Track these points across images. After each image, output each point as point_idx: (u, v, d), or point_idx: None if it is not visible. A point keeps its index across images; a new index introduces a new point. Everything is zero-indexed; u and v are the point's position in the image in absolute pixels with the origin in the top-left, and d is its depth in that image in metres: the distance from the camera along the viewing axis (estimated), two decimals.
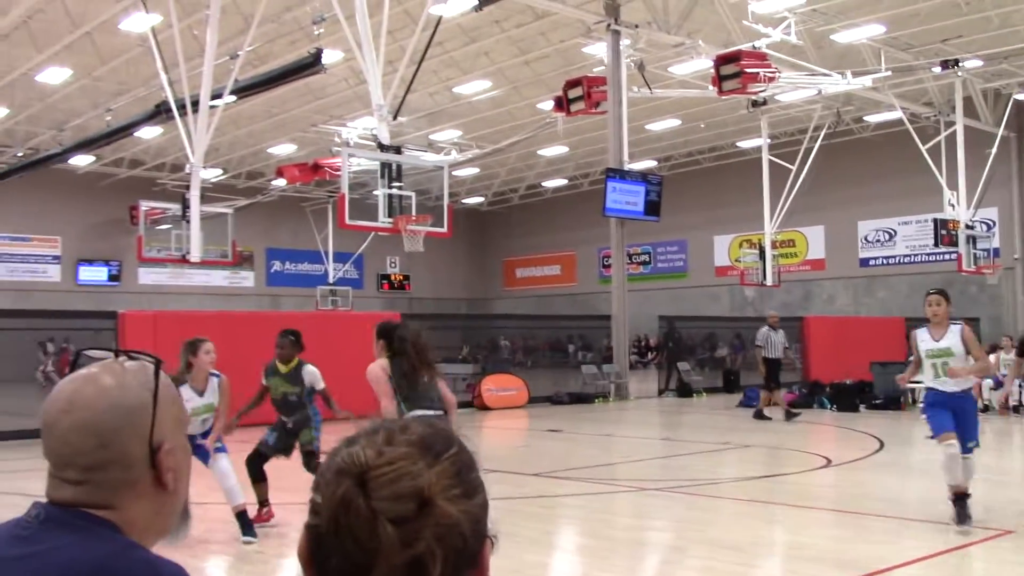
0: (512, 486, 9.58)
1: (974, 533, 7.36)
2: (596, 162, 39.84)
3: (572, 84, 23.86)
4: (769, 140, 31.47)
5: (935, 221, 28.03)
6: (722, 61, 22.82)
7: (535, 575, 6.44)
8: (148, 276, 38.85)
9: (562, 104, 24.22)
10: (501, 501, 9.19)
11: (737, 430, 16.34)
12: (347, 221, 15.21)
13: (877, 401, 19.19)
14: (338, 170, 18.84)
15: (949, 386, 7.52)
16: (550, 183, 46.02)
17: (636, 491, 9.96)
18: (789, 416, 17.10)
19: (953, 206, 28.11)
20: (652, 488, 10.03)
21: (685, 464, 12.24)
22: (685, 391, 23.46)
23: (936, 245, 28.55)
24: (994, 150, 29.22)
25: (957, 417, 7.47)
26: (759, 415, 17.46)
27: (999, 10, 25.39)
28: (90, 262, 39.11)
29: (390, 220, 15.25)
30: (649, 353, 39.80)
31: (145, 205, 23.82)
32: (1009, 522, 7.73)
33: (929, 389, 7.78)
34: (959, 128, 28.36)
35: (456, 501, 1.07)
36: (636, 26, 23.35)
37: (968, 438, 7.53)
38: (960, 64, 26.95)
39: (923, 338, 7.74)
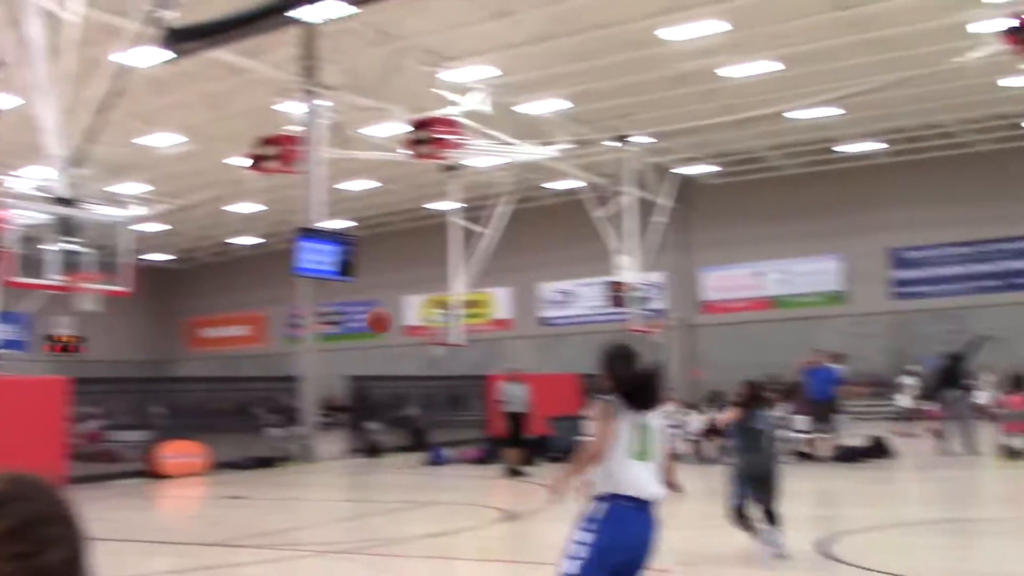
0: (185, 558, 9.18)
1: None
2: (290, 220, 39.17)
3: (267, 142, 23.57)
4: (460, 204, 32.56)
5: (609, 283, 30.17)
6: (416, 127, 23.48)
7: None
8: None
9: (256, 161, 23.85)
10: (171, 575, 8.78)
11: (423, 488, 16.59)
12: (14, 279, 14.11)
13: (555, 454, 20.14)
14: (5, 223, 17.47)
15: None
16: (241, 241, 44.94)
17: (320, 555, 9.83)
18: (514, 474, 17.07)
19: (625, 270, 30.38)
20: (336, 551, 9.95)
21: (371, 524, 12.25)
22: (373, 451, 23.51)
23: (610, 306, 30.65)
24: (660, 219, 31.95)
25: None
26: (514, 472, 17.06)
27: (664, 93, 27.98)
28: None
29: (64, 278, 14.31)
30: (337, 414, 39.46)
31: None
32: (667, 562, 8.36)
33: None
34: (630, 199, 30.79)
35: (7, 560, 1.04)
36: (332, 88, 23.55)
37: None
38: (631, 140, 29.40)
39: None
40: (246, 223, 42.17)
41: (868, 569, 7.78)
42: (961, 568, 7.80)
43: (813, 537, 9.31)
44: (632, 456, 4.50)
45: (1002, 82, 27.14)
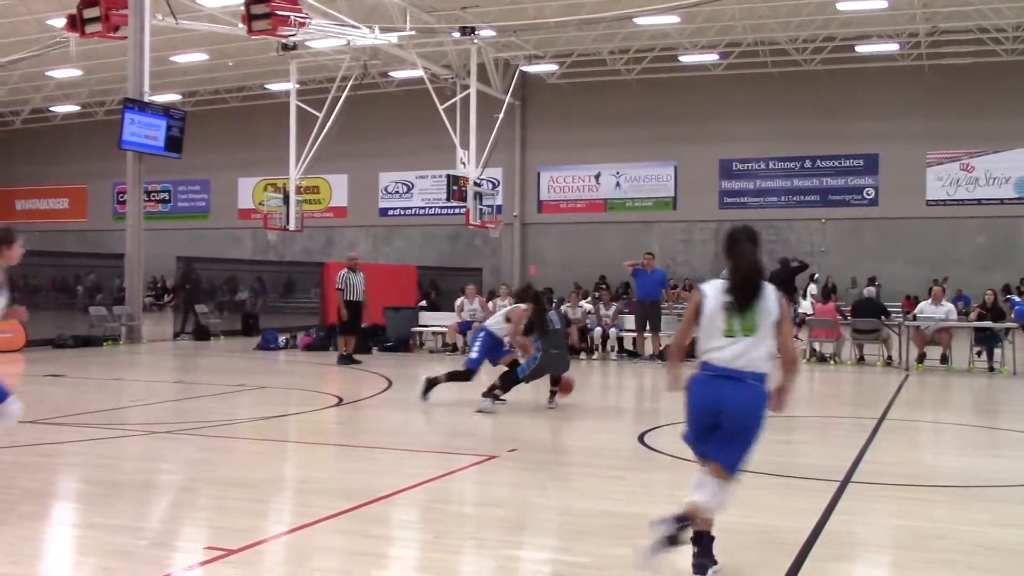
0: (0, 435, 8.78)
1: (463, 459, 8.09)
2: (114, 90, 37.29)
3: (88, 3, 22.05)
4: (298, 85, 31.53)
5: (448, 177, 30.04)
6: (253, 0, 22.41)
7: (27, 526, 5.98)
8: None
9: (76, 23, 22.32)
10: None
11: (254, 372, 16.39)
12: None
13: (389, 343, 20.28)
14: None
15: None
16: (60, 108, 42.31)
17: (145, 435, 9.61)
18: (347, 361, 17.15)
19: (464, 164, 30.28)
20: (162, 431, 9.74)
21: (199, 407, 12.04)
22: (202, 334, 23.04)
23: (448, 199, 30.59)
24: (501, 115, 31.86)
25: None
26: (348, 359, 17.15)
27: None
28: None
29: None
30: (166, 295, 38.36)
31: None
32: (496, 449, 8.62)
33: None
34: (472, 92, 30.52)
35: None
36: None
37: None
38: (476, 32, 28.99)
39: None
40: (65, 89, 39.65)
41: (684, 459, 8.23)
42: (771, 460, 8.34)
43: (636, 430, 9.75)
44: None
45: (840, 6, 28.16)
